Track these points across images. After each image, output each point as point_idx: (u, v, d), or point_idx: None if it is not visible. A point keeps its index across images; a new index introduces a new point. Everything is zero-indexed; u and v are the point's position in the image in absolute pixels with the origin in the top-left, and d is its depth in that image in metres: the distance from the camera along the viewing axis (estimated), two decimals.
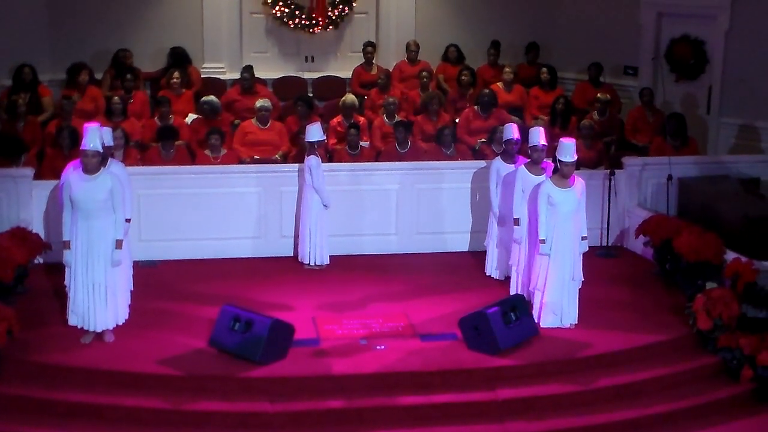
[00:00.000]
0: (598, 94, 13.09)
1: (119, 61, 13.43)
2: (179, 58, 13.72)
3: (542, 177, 9.55)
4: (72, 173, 8.77)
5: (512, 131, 10.20)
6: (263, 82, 13.90)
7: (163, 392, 8.14)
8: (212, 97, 12.48)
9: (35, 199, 10.52)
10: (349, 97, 12.52)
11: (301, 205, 10.77)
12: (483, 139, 12.11)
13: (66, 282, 8.85)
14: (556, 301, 9.22)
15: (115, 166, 9.25)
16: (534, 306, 9.33)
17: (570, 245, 9.22)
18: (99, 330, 8.73)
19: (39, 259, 10.16)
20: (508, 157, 10.27)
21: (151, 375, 8.27)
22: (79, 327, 8.74)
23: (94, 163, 8.61)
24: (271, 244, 11.00)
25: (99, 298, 8.67)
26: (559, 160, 9.18)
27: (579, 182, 9.28)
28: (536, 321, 9.21)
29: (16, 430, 7.82)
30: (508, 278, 10.13)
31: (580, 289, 9.34)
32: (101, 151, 8.68)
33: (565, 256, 9.21)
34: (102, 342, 8.73)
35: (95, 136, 8.59)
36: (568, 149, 9.14)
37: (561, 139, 9.39)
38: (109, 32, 13.98)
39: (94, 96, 12.76)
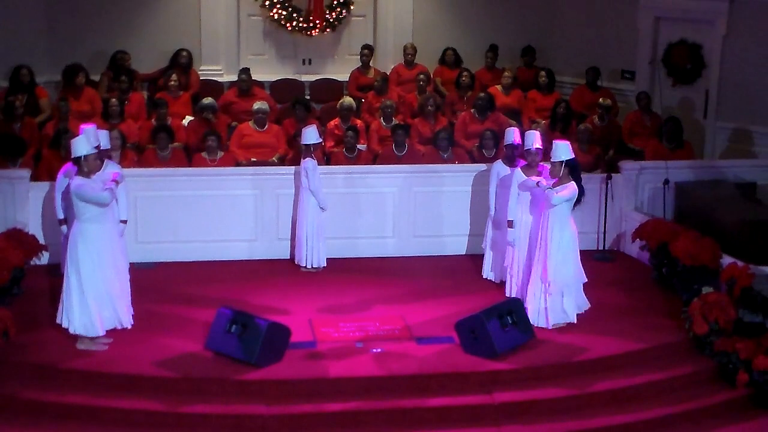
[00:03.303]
0: (600, 99, 13.04)
1: (117, 64, 13.40)
2: (185, 62, 13.65)
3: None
4: (74, 178, 8.69)
5: (513, 135, 10.21)
6: (260, 84, 13.89)
7: (159, 394, 8.13)
8: (212, 99, 12.49)
9: (32, 200, 10.50)
10: (347, 100, 12.52)
11: (297, 208, 10.75)
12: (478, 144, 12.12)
13: (63, 286, 8.78)
14: (565, 278, 9.18)
15: (111, 167, 9.25)
16: (534, 309, 9.29)
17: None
18: (94, 335, 8.68)
19: (35, 261, 10.13)
20: (509, 160, 10.28)
21: (147, 377, 8.26)
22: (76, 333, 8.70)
23: (98, 164, 8.71)
24: (268, 247, 10.99)
25: (100, 303, 8.63)
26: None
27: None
28: (545, 320, 9.21)
29: (11, 431, 7.81)
30: (504, 281, 10.13)
31: None
32: (97, 148, 8.74)
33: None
34: (98, 346, 8.69)
35: (88, 137, 8.66)
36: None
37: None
38: (106, 34, 13.99)
39: (91, 98, 12.73)
